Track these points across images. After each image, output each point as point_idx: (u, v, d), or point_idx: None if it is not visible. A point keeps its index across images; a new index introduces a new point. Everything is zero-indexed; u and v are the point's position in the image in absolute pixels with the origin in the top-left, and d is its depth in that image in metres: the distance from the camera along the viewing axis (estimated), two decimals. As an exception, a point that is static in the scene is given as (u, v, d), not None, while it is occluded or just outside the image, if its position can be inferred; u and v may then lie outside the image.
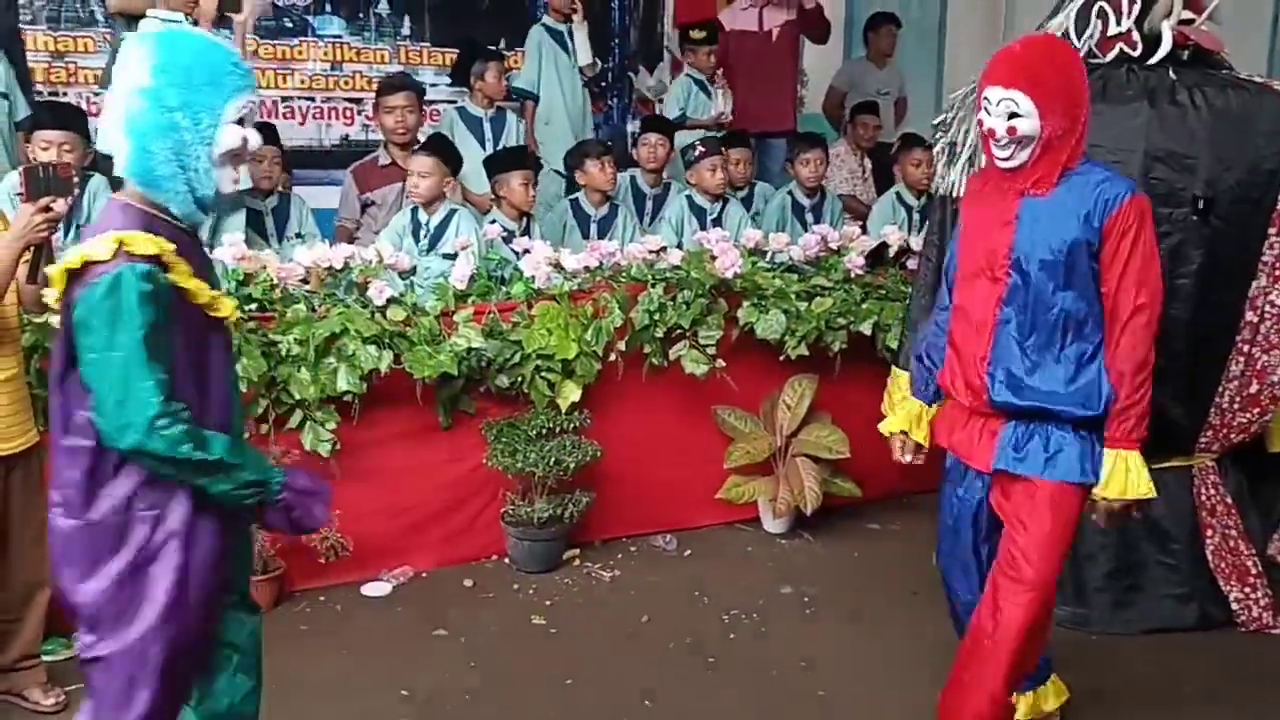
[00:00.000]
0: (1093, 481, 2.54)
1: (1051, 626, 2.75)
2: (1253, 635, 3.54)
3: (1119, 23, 3.38)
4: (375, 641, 3.48)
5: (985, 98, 2.53)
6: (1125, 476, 2.51)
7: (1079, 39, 3.44)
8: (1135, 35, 3.37)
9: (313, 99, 6.24)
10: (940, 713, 2.76)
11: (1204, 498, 3.59)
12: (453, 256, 4.19)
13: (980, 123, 2.55)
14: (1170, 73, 3.34)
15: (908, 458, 2.91)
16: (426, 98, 5.35)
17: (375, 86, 5.20)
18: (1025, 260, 2.54)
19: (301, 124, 6.11)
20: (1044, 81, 2.47)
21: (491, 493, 4.00)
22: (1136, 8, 3.35)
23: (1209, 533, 3.57)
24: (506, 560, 4.02)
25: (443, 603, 3.73)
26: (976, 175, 2.82)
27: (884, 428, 2.96)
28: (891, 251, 4.63)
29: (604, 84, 6.82)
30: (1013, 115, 2.47)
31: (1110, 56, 3.41)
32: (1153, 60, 3.35)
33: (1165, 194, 3.21)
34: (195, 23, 4.17)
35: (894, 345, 4.14)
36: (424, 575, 3.91)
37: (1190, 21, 3.37)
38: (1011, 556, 2.58)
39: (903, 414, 2.89)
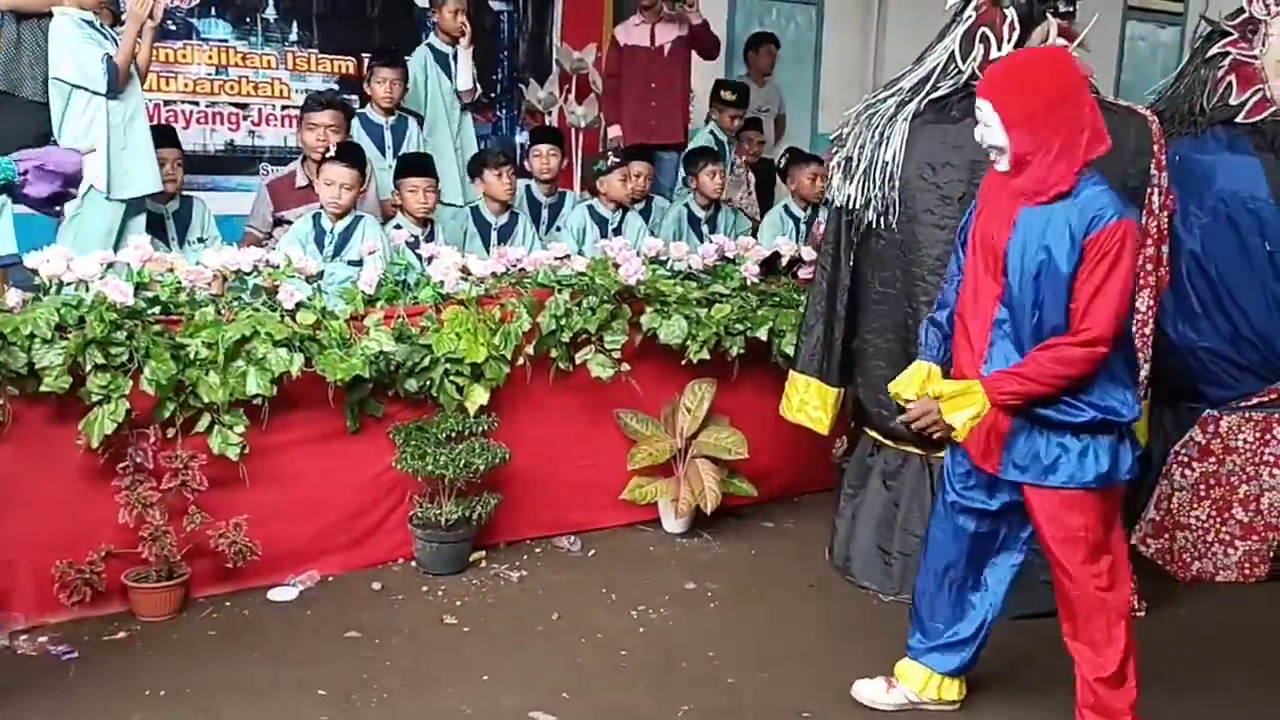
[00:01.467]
0: (1094, 483, 2.67)
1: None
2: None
3: (999, 48, 3.61)
4: (287, 644, 3.46)
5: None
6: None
7: (964, 62, 3.67)
8: (1015, 60, 3.63)
9: (197, 103, 6.16)
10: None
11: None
12: (358, 263, 4.20)
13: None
14: (1047, 95, 3.60)
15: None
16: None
17: (299, 100, 5.18)
18: (1015, 267, 2.64)
19: (186, 128, 6.00)
20: (1010, 95, 2.59)
21: (399, 496, 4.02)
22: (1016, 34, 3.60)
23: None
24: (413, 563, 4.03)
25: (352, 606, 3.73)
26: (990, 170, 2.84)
27: (895, 389, 2.97)
28: (784, 261, 4.83)
29: (492, 95, 6.89)
30: (984, 124, 2.63)
31: (993, 79, 3.65)
32: (1031, 83, 3.62)
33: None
34: (109, 24, 4.11)
35: (789, 351, 4.32)
36: (330, 579, 3.90)
37: (1064, 49, 3.64)
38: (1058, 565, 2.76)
39: (914, 376, 2.93)
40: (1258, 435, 4.02)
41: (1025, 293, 2.65)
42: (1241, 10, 4.09)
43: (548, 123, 6.55)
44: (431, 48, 5.68)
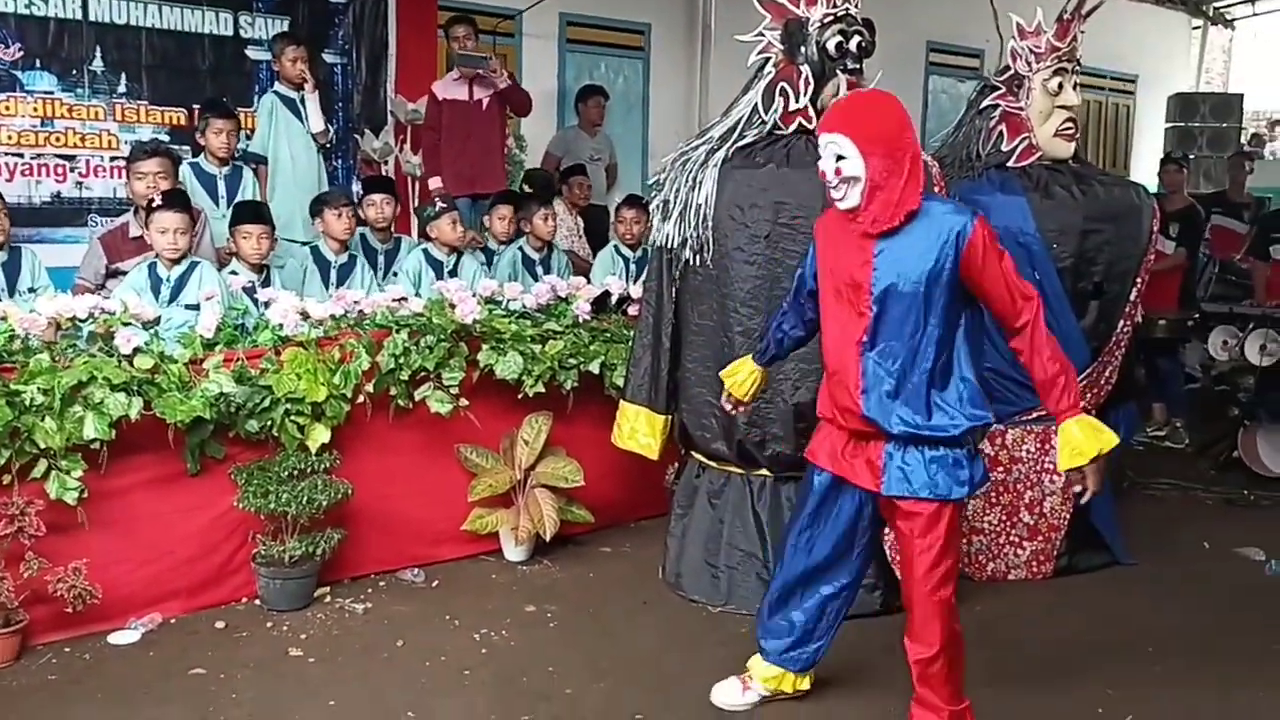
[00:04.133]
0: (964, 493, 2.90)
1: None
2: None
3: (797, 100, 4.00)
4: (130, 685, 3.49)
5: (818, 143, 2.88)
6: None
7: (766, 113, 4.03)
8: (810, 111, 3.99)
9: (21, 155, 6.06)
10: None
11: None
12: (195, 307, 4.28)
13: (821, 173, 2.88)
14: (839, 143, 3.98)
15: (729, 408, 3.55)
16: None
17: (128, 151, 5.22)
18: (885, 298, 2.83)
19: (9, 181, 5.92)
20: (863, 125, 2.78)
21: (241, 536, 4.08)
22: (810, 88, 3.99)
23: (885, 528, 4.18)
24: (258, 602, 4.10)
25: (196, 645, 3.78)
26: (825, 216, 3.06)
27: (726, 377, 3.50)
28: (614, 299, 5.11)
29: (328, 145, 7.00)
30: (839, 158, 2.80)
31: (792, 129, 4.02)
32: (825, 132, 3.99)
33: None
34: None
35: (620, 383, 4.58)
36: (173, 621, 3.94)
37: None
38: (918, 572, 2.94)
39: (741, 373, 3.42)
40: (1038, 445, 4.47)
41: (902, 319, 2.83)
42: (1008, 68, 4.59)
43: (384, 172, 6.69)
44: (279, 94, 5.92)
